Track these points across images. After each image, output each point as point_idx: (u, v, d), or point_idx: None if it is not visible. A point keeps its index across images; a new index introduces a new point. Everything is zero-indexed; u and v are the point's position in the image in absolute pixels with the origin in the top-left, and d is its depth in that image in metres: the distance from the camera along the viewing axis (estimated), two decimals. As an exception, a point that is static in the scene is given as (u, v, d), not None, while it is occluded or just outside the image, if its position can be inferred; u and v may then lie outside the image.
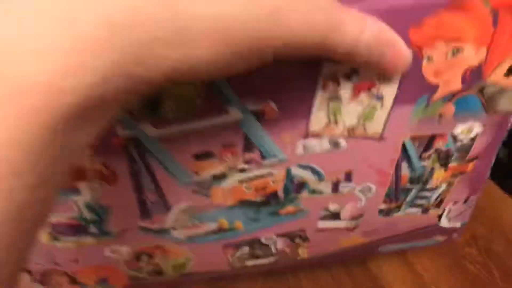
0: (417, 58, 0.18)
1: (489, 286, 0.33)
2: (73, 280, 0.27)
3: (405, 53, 0.18)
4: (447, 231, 0.28)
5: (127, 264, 0.26)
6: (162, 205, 0.23)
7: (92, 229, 0.23)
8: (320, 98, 0.20)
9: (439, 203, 0.26)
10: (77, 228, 0.23)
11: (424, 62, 0.19)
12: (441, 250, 0.34)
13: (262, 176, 0.22)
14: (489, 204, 0.39)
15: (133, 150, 0.20)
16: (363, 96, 0.20)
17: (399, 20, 0.17)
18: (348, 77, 0.19)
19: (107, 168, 0.21)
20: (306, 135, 0.21)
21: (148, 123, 0.19)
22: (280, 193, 0.23)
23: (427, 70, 0.19)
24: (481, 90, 0.20)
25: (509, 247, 0.36)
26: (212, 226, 0.24)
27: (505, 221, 0.38)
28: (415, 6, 0.17)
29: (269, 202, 0.24)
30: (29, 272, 0.26)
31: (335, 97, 0.20)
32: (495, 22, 0.18)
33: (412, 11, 0.17)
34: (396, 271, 0.32)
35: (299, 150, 0.21)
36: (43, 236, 0.23)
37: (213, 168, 0.22)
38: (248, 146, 0.21)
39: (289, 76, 0.19)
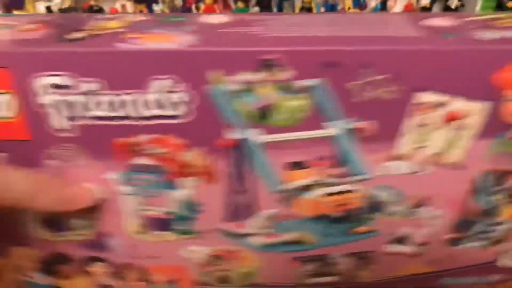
0: (499, 98, 0.21)
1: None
2: (143, 277, 0.28)
3: None
4: (504, 271, 0.29)
5: (199, 266, 0.27)
6: (248, 210, 0.25)
7: (179, 225, 0.25)
8: (409, 124, 0.22)
9: (501, 240, 0.27)
10: (165, 223, 0.25)
11: (504, 102, 0.21)
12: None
13: (344, 192, 0.24)
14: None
15: (238, 153, 0.22)
16: (450, 125, 0.22)
17: (483, 62, 0.20)
18: (437, 106, 0.21)
19: (211, 166, 0.23)
20: (392, 157, 0.23)
21: (257, 129, 0.22)
22: (358, 211, 0.25)
23: (507, 109, 0.22)
24: (557, 132, 0.22)
25: None
26: (288, 236, 0.26)
27: None
28: (499, 51, 0.20)
29: (346, 219, 0.25)
30: (106, 260, 0.27)
31: (424, 124, 0.22)
32: None
33: (496, 55, 0.20)
34: None
35: (383, 171, 0.23)
36: (133, 228, 0.25)
37: (302, 178, 0.24)
38: (338, 161, 0.23)
39: (384, 100, 0.21)
